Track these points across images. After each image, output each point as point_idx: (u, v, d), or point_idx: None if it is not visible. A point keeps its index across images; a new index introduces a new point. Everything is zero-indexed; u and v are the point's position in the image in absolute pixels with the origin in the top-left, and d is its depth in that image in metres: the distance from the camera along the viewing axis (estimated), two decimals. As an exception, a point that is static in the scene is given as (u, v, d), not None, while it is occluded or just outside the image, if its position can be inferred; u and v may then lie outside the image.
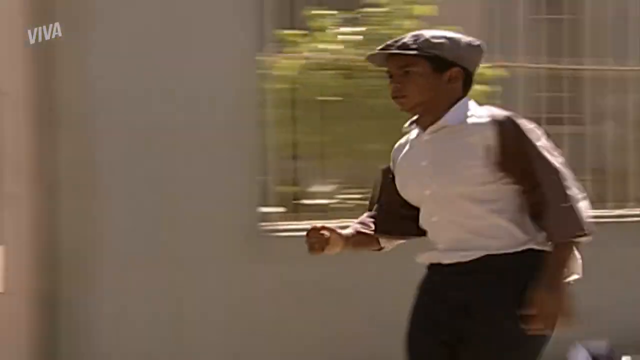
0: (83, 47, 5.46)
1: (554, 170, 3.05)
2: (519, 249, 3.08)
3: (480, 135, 3.08)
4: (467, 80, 3.21)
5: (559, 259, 3.02)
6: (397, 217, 3.29)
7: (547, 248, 3.04)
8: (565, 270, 3.03)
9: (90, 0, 5.54)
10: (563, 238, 3.02)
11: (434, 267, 3.21)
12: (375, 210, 3.35)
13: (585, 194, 3.10)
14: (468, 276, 3.09)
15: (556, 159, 3.07)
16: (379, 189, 3.36)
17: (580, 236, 3.01)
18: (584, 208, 3.04)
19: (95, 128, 5.48)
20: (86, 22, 5.47)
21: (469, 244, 3.09)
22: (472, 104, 3.19)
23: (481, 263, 3.08)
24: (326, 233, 3.21)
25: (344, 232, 3.29)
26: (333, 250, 3.26)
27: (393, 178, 3.29)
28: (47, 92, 5.50)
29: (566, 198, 3.02)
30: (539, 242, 3.07)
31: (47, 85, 5.51)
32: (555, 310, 2.98)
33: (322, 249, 3.23)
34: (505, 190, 3.10)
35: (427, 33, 3.20)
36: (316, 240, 3.22)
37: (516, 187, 3.09)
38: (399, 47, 3.16)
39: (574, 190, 3.05)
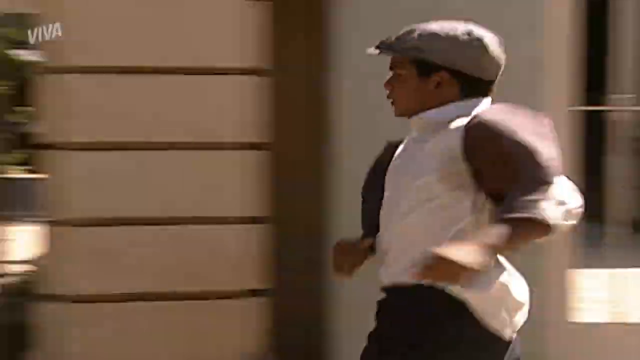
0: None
1: (538, 167, 2.61)
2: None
3: (445, 144, 2.73)
4: (468, 82, 2.79)
5: (490, 231, 2.60)
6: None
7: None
8: (494, 245, 2.57)
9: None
10: (507, 214, 2.59)
11: None
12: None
13: (577, 202, 2.75)
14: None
15: (549, 151, 2.64)
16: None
17: (531, 223, 2.58)
18: (556, 207, 2.61)
19: None
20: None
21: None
22: (468, 106, 2.79)
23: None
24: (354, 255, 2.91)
25: (366, 244, 2.94)
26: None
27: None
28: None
29: (537, 190, 2.60)
30: None
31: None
32: (454, 263, 2.53)
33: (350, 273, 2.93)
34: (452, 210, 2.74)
35: (421, 28, 2.80)
36: (344, 261, 2.93)
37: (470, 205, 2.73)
38: (385, 45, 2.83)
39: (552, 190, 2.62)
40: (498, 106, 2.77)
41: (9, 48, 24.78)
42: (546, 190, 2.59)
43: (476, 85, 2.80)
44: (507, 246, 2.59)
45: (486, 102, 2.83)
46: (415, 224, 2.75)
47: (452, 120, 2.75)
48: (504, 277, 2.78)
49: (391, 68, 2.87)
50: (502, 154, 2.62)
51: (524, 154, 2.61)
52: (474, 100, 2.80)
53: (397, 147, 2.98)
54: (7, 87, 24.27)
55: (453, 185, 2.70)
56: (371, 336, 2.89)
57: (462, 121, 2.73)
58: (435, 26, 2.80)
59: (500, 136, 2.63)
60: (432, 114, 2.80)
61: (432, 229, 2.72)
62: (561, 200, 2.65)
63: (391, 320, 2.80)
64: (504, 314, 2.77)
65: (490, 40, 2.82)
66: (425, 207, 2.72)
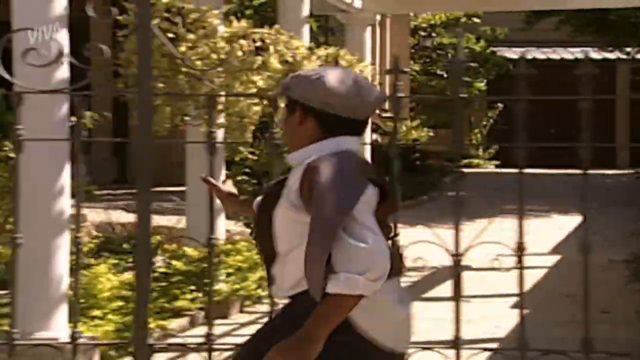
0: None
1: (319, 225, 2.84)
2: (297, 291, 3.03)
3: (294, 179, 3.02)
4: (324, 120, 3.03)
5: (315, 313, 2.85)
6: None
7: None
8: (323, 324, 2.82)
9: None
10: (314, 295, 2.87)
11: None
12: None
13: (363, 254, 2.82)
14: None
15: (330, 212, 2.83)
16: None
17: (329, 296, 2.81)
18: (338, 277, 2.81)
19: None
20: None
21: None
22: (322, 147, 3.03)
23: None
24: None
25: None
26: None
27: None
28: None
29: (312, 256, 2.85)
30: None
31: None
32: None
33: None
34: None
35: (299, 71, 3.17)
36: None
37: None
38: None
39: (322, 249, 2.82)
40: (337, 154, 2.99)
41: (486, 46, 26.04)
42: (314, 257, 2.83)
43: (336, 123, 3.03)
44: (330, 325, 2.84)
45: (347, 141, 3.06)
46: (285, 249, 3.05)
47: (305, 160, 3.01)
48: (387, 297, 2.99)
49: None
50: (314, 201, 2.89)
51: (317, 214, 2.85)
52: (332, 140, 3.04)
53: None
54: (484, 84, 25.52)
55: (303, 214, 2.94)
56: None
57: (305, 163, 3.00)
58: (306, 70, 3.17)
59: (315, 185, 2.89)
60: (293, 156, 3.11)
61: (297, 251, 2.97)
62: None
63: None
64: (388, 329, 3.01)
65: (335, 79, 3.02)
66: (288, 233, 3.02)
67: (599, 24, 18.63)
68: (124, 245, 8.43)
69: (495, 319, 8.03)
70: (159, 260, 7.51)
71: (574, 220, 13.54)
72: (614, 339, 6.84)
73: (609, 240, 11.99)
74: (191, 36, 6.88)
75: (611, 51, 21.25)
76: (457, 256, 5.18)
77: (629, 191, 18.69)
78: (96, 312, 6.26)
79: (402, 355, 3.08)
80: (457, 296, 5.14)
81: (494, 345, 6.37)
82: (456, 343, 5.14)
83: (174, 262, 7.41)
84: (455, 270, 5.13)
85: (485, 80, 25.70)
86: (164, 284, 7.20)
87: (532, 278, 9.02)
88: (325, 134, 3.04)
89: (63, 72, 5.70)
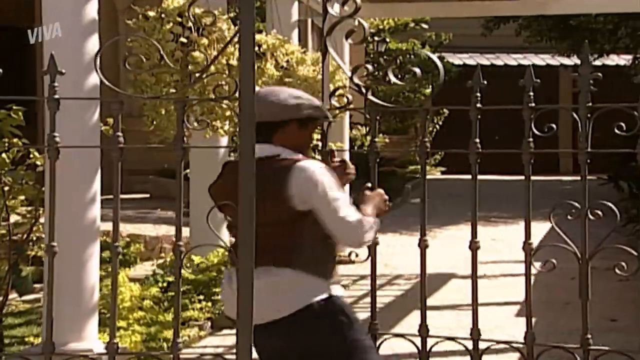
0: None
1: None
2: None
3: None
4: None
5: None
6: None
7: None
8: None
9: None
10: None
11: None
12: None
13: None
14: None
15: None
16: None
17: None
18: None
19: None
20: None
21: None
22: None
23: None
24: None
25: None
26: None
27: None
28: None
29: None
30: None
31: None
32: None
33: None
34: None
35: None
36: None
37: None
38: None
39: None
40: None
41: (432, 52, 26.28)
42: None
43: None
44: None
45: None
46: None
47: None
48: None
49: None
50: None
51: None
52: None
53: None
54: (429, 91, 25.72)
55: None
56: None
57: None
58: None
59: None
60: None
61: None
62: None
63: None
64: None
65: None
66: None
67: (561, 30, 18.94)
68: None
69: (506, 328, 8.10)
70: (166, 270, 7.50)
71: (541, 227, 13.74)
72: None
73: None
74: (204, 41, 6.89)
75: (568, 56, 21.59)
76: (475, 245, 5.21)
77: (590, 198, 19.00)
78: (121, 323, 6.24)
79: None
80: (474, 275, 5.20)
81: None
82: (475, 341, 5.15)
83: (183, 272, 7.40)
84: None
85: (431, 86, 25.95)
86: (172, 293, 7.19)
87: (519, 286, 9.16)
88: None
89: (94, 78, 5.68)
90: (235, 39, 7.26)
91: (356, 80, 5.19)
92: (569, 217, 4.79)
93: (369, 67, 5.48)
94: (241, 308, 2.48)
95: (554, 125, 4.95)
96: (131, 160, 13.16)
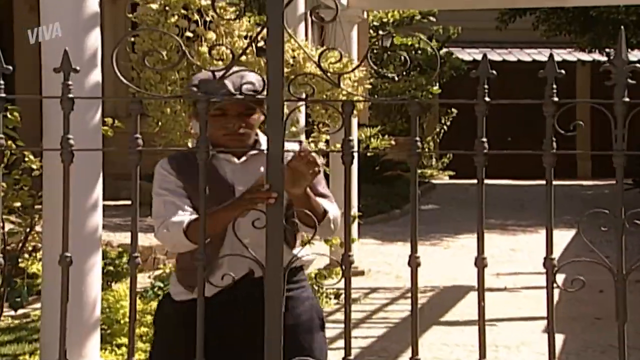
0: None
1: None
2: None
3: None
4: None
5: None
6: None
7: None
8: None
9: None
10: None
11: None
12: None
13: None
14: None
15: None
16: None
17: None
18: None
19: None
20: None
21: None
22: None
23: None
24: None
25: None
26: None
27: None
28: None
29: None
30: None
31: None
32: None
33: None
34: None
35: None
36: None
37: None
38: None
39: None
40: None
41: (439, 47, 26.26)
42: None
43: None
44: None
45: None
46: None
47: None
48: None
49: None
50: None
51: None
52: None
53: None
54: (437, 88, 25.72)
55: None
56: None
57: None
58: None
59: None
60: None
61: None
62: None
63: None
64: None
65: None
66: None
67: (581, 23, 18.94)
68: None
69: (533, 345, 8.10)
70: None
71: (563, 236, 13.78)
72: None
73: (610, 258, 12.21)
74: (211, 35, 6.90)
75: (588, 52, 21.62)
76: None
77: (614, 204, 18.99)
78: (123, 340, 6.23)
79: None
80: (480, 297, 5.06)
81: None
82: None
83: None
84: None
85: (438, 84, 25.96)
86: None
87: (544, 300, 9.13)
88: None
89: (96, 76, 5.67)
90: (242, 33, 7.29)
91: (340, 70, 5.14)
92: (602, 228, 4.57)
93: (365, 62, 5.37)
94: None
95: (581, 122, 4.75)
96: (117, 164, 13.14)
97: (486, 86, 4.38)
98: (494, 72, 4.49)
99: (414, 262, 4.07)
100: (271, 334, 3.68)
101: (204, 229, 3.38)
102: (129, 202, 13.98)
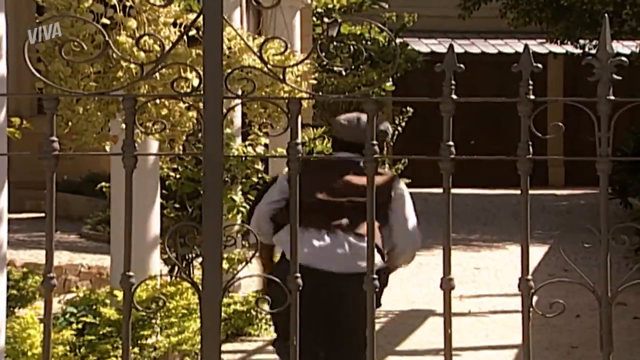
0: None
1: None
2: None
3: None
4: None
5: None
6: None
7: None
8: None
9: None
10: None
11: None
12: None
13: None
14: None
15: None
16: None
17: None
18: None
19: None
20: None
21: None
22: None
23: None
24: None
25: None
26: None
27: None
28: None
29: None
30: None
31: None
32: None
33: None
34: None
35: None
36: None
37: None
38: None
39: None
40: None
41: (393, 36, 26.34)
42: None
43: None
44: None
45: None
46: None
47: None
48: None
49: None
50: None
51: None
52: None
53: None
54: (391, 84, 25.77)
55: None
56: None
57: None
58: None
59: None
60: None
61: None
62: None
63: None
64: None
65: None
66: None
67: (553, 10, 19.04)
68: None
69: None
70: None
71: (536, 252, 13.83)
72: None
73: (589, 277, 12.27)
74: (131, 22, 6.83)
75: (560, 43, 21.72)
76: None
77: (592, 216, 19.15)
78: (30, 376, 6.15)
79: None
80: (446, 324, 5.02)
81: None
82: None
83: (104, 310, 7.32)
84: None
85: (391, 79, 25.94)
86: (91, 337, 7.11)
87: (514, 325, 9.16)
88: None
89: (0, 68, 5.59)
90: (169, 21, 7.22)
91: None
92: (585, 245, 4.37)
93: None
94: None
95: (560, 124, 4.55)
96: (20, 171, 13.00)
97: (453, 82, 4.22)
98: (462, 65, 4.29)
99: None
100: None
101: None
102: (34, 215, 13.96)
